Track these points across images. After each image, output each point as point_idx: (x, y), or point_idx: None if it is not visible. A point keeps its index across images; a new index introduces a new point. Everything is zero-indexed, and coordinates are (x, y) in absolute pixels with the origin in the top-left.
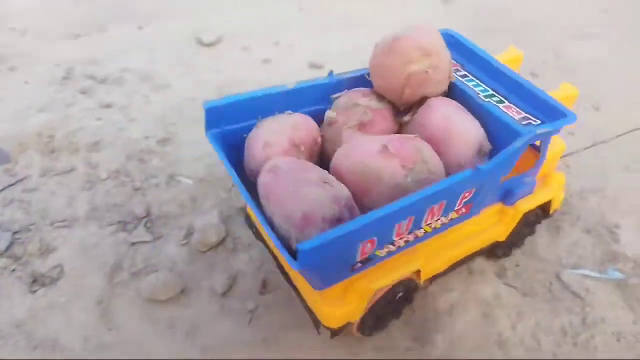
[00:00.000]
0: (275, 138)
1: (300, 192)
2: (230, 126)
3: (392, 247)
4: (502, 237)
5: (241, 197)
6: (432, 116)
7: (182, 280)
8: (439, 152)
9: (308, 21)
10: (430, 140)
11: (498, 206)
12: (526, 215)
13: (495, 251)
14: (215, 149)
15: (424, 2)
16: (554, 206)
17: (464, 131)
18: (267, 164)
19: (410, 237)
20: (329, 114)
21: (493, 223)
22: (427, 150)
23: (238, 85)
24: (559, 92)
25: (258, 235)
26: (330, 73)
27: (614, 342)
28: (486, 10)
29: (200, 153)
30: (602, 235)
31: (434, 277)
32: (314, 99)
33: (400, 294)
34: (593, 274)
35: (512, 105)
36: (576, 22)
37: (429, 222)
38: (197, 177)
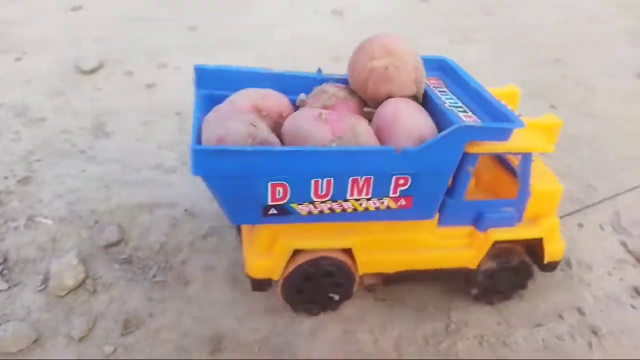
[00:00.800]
0: (241, 99)
1: (223, 122)
2: (221, 92)
3: (313, 208)
4: (472, 264)
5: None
6: (384, 107)
7: (36, 330)
8: (383, 140)
9: (198, 40)
10: (379, 128)
11: (469, 229)
12: (508, 255)
13: (491, 299)
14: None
15: (317, 16)
16: (551, 256)
17: (408, 123)
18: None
19: (336, 207)
20: (301, 96)
21: (461, 245)
22: (363, 128)
23: (117, 113)
24: (541, 121)
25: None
26: (319, 70)
27: (477, 346)
28: (373, 21)
29: (62, 190)
30: None
31: (387, 280)
32: (301, 89)
33: (330, 277)
34: None
35: (472, 114)
36: (460, 29)
37: (355, 196)
38: (58, 217)
